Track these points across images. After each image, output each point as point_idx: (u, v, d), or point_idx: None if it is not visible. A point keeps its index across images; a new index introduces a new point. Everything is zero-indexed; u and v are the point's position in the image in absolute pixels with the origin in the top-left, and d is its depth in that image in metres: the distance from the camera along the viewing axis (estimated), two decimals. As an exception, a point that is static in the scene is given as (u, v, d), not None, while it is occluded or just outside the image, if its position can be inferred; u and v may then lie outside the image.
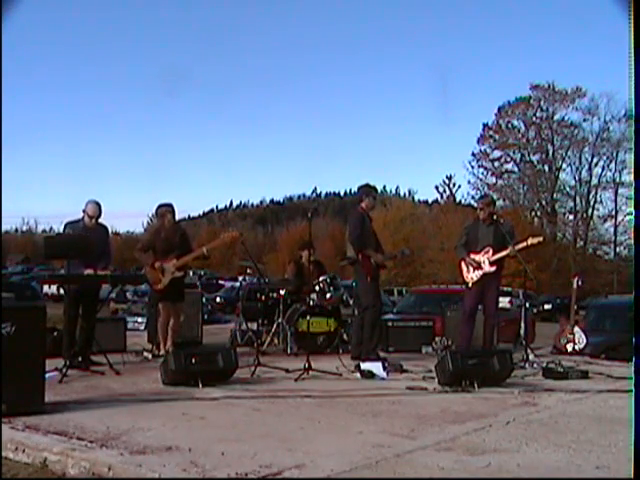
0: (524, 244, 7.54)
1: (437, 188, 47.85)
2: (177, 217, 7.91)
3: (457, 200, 46.31)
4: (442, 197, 47.69)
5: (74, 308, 6.76)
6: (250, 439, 3.96)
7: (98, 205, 7.02)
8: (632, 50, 3.69)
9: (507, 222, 8.18)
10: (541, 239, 7.84)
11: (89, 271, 6.61)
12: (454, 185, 46.88)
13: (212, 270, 43.57)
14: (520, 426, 4.50)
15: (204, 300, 12.43)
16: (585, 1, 70.77)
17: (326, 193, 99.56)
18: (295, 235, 47.26)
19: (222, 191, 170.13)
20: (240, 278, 21.90)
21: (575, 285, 9.47)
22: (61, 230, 7.24)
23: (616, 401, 5.49)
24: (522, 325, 9.04)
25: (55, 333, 7.20)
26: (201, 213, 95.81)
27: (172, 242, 7.46)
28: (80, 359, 6.61)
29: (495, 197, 40.03)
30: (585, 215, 43.97)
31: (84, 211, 6.98)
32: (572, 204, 44.37)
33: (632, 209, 3.85)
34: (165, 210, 7.60)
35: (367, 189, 7.97)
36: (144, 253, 7.68)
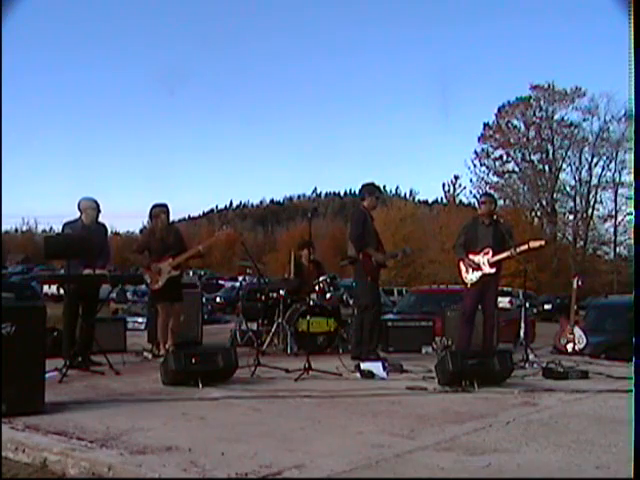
0: (525, 247, 7.51)
1: (444, 186, 48.17)
2: (174, 217, 7.94)
3: (459, 201, 46.53)
4: (447, 196, 48.04)
5: (74, 308, 6.77)
6: (250, 439, 3.95)
7: (95, 202, 7.02)
8: (632, 50, 3.68)
9: (506, 223, 8.18)
10: (543, 243, 7.83)
11: (88, 271, 6.61)
12: (459, 186, 47.19)
13: (212, 270, 43.59)
14: (520, 426, 4.50)
15: (204, 300, 12.43)
16: (585, 1, 70.87)
17: (326, 193, 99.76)
18: (295, 235, 47.22)
19: (222, 191, 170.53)
20: (240, 278, 21.92)
21: (575, 285, 9.47)
22: (60, 230, 7.24)
23: (616, 401, 5.49)
24: (522, 325, 9.04)
25: (55, 333, 7.19)
26: (201, 213, 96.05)
27: (167, 242, 7.48)
28: (80, 359, 6.61)
29: (496, 196, 40.06)
30: (585, 215, 43.94)
31: (80, 210, 6.98)
32: (572, 204, 44.34)
33: (632, 209, 3.85)
34: (159, 210, 7.61)
35: (370, 188, 7.92)
36: (140, 254, 7.70)
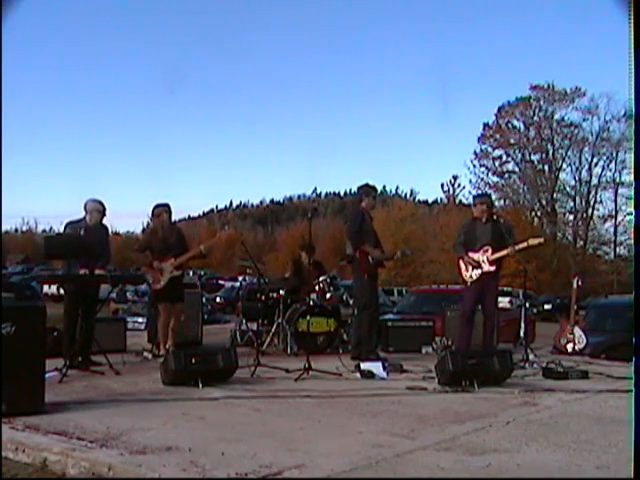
0: (524, 245, 7.52)
1: (442, 186, 48.28)
2: (175, 217, 7.91)
3: (459, 200, 46.56)
4: (447, 197, 48.09)
5: (74, 308, 6.76)
6: (250, 439, 3.96)
7: (102, 204, 7.03)
8: (632, 50, 3.69)
9: (506, 221, 8.18)
10: (542, 240, 7.83)
11: (84, 271, 6.61)
12: (459, 186, 47.26)
13: (212, 270, 43.61)
14: (520, 426, 4.50)
15: (204, 300, 12.43)
16: (585, 1, 70.89)
17: (326, 193, 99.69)
18: (295, 235, 47.28)
19: (222, 191, 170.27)
20: (240, 278, 21.94)
21: (575, 285, 9.48)
22: (61, 230, 7.24)
23: (616, 401, 5.49)
24: (522, 325, 9.04)
25: (55, 333, 7.20)
26: (201, 213, 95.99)
27: (169, 242, 7.47)
28: (80, 359, 6.61)
29: (496, 197, 40.14)
30: (585, 215, 43.94)
31: (86, 210, 6.98)
32: (572, 204, 44.36)
33: (632, 209, 3.85)
34: (161, 210, 7.61)
35: (367, 189, 8.00)
36: (141, 253, 7.70)
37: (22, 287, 17.23)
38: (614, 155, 42.09)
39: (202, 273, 34.05)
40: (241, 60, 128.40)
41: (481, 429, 4.37)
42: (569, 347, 8.91)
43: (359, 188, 8.08)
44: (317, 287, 8.71)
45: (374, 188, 8.16)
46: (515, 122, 45.33)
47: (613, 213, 43.15)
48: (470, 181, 45.96)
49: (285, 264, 9.65)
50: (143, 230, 53.24)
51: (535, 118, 44.53)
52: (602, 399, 5.63)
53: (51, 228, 65.22)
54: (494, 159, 45.74)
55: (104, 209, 7.07)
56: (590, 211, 43.89)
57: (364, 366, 6.54)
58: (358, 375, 6.45)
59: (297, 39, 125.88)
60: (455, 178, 47.56)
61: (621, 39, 3.93)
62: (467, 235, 7.73)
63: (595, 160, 43.31)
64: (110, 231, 7.72)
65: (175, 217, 8.20)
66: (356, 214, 7.92)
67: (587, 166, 43.60)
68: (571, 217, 44.87)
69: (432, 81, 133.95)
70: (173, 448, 3.69)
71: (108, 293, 7.83)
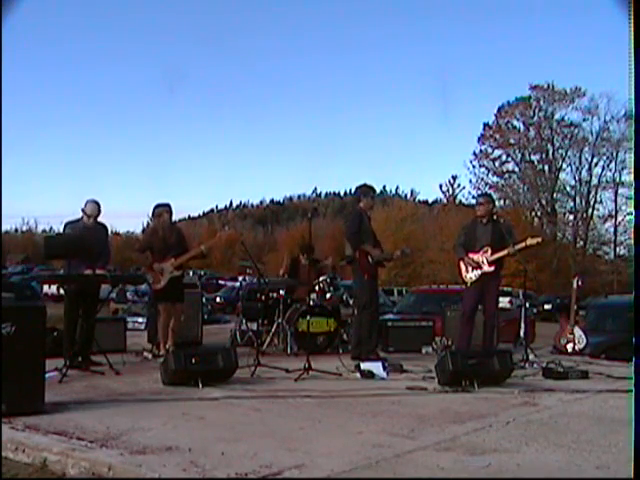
0: (523, 244, 7.53)
1: (441, 187, 48.33)
2: (175, 217, 7.91)
3: (458, 201, 46.58)
4: (446, 197, 48.13)
5: (74, 308, 6.77)
6: (250, 439, 3.96)
7: (97, 204, 7.04)
8: (632, 50, 3.69)
9: (506, 221, 8.18)
10: (540, 240, 7.84)
11: (88, 271, 6.61)
12: (458, 186, 47.28)
13: (212, 270, 43.58)
14: (520, 426, 4.50)
15: (204, 300, 12.43)
16: (585, 1, 70.88)
17: (326, 193, 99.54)
18: (295, 235, 47.24)
19: (222, 191, 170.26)
20: (240, 278, 21.94)
21: (575, 285, 9.48)
22: (61, 230, 7.24)
23: (616, 401, 5.49)
24: (522, 325, 9.04)
25: (55, 333, 7.20)
26: (201, 213, 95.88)
27: (169, 242, 7.47)
28: (80, 359, 6.61)
29: (496, 197, 40.14)
30: (585, 215, 43.92)
31: (83, 211, 6.99)
32: (572, 204, 44.34)
33: (632, 209, 3.85)
34: (162, 210, 7.61)
35: (365, 189, 8.00)
36: (142, 254, 7.70)
37: (22, 287, 17.19)
38: (614, 155, 42.10)
39: (202, 273, 34.01)
40: (241, 60, 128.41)
41: (481, 429, 4.37)
42: (569, 347, 8.91)
43: (357, 188, 8.09)
44: (317, 287, 8.71)
45: (372, 188, 8.16)
46: (515, 122, 45.36)
47: (613, 213, 43.19)
48: (470, 181, 46.02)
49: (282, 262, 9.63)
50: (143, 230, 53.19)
51: (535, 118, 44.53)
52: (602, 399, 5.64)
53: (51, 228, 65.13)
54: (494, 159, 45.74)
55: (99, 207, 7.05)
56: (590, 211, 43.90)
57: (364, 366, 6.54)
58: (358, 375, 6.45)
59: (297, 39, 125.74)
60: (454, 178, 47.67)
61: (621, 39, 3.93)
62: (467, 236, 7.75)
63: (595, 160, 43.33)
64: (110, 231, 7.72)
65: (175, 217, 8.20)
66: (354, 214, 7.93)
67: (587, 166, 43.61)
68: (571, 217, 44.86)
69: (432, 81, 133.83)
70: (173, 448, 3.69)
71: (108, 293, 7.84)
